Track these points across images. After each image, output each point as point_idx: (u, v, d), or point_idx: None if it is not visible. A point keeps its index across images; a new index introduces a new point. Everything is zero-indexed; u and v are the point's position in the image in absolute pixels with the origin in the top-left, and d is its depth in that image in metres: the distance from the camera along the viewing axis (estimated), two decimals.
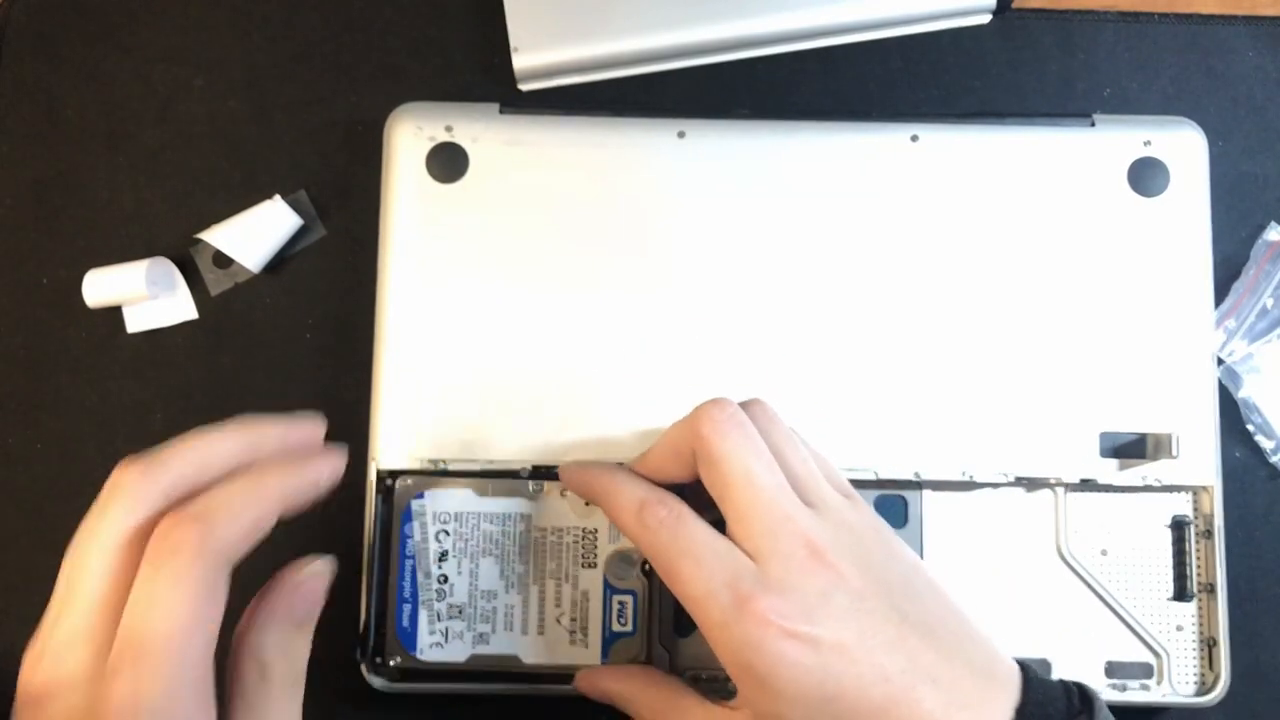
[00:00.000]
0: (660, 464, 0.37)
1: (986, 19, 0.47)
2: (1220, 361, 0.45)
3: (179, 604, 0.28)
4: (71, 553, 0.30)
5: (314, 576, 0.32)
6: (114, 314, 0.45)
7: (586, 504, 0.42)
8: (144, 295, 0.44)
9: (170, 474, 0.31)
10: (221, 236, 0.44)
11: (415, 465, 0.41)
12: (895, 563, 0.35)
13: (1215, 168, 0.46)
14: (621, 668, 0.40)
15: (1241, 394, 0.44)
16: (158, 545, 0.29)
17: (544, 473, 0.42)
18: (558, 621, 0.41)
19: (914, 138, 0.43)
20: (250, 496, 0.31)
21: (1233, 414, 0.45)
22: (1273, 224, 0.46)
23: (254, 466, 0.32)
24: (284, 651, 0.31)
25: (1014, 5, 0.47)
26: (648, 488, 0.36)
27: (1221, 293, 0.45)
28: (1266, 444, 0.44)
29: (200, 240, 0.45)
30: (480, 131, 0.43)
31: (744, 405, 0.36)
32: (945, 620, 0.35)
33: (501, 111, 0.44)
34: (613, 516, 0.37)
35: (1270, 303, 0.45)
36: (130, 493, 0.30)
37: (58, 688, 0.28)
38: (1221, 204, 0.46)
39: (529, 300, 0.42)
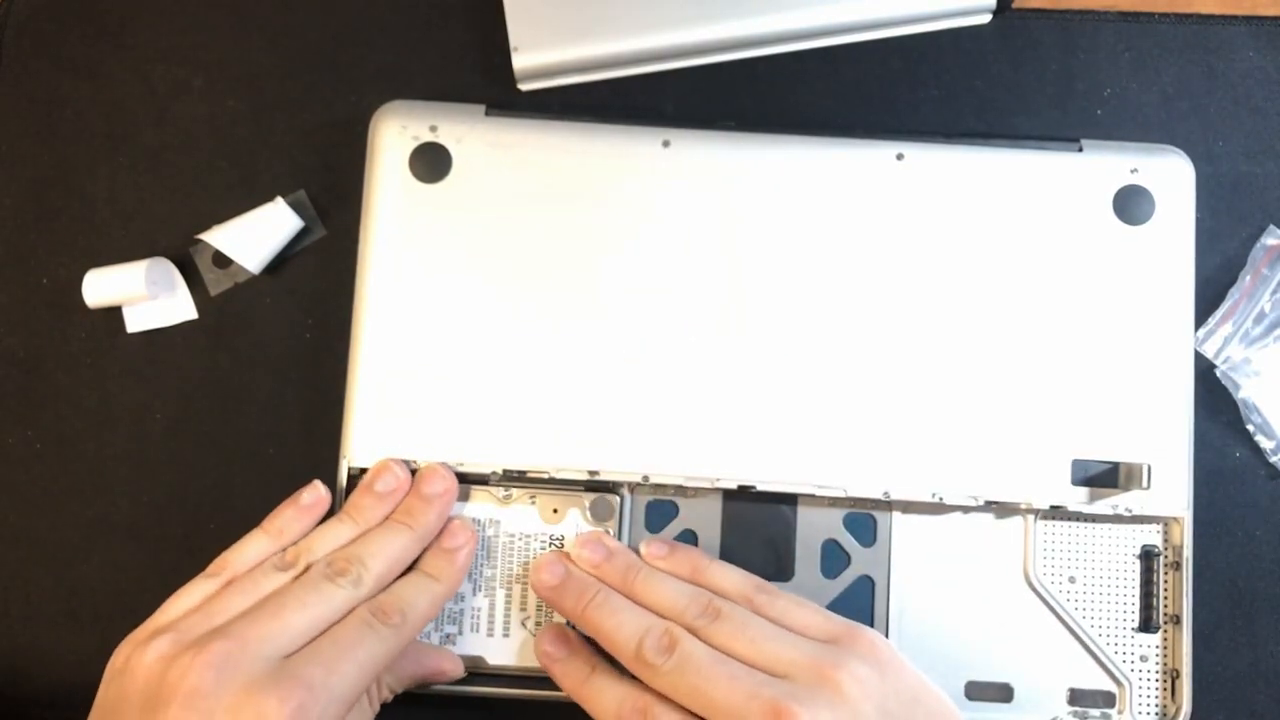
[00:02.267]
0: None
1: (986, 19, 0.47)
2: (1216, 365, 0.45)
3: (366, 662, 0.36)
4: (303, 599, 0.37)
5: (454, 676, 0.41)
6: (114, 314, 0.45)
7: (554, 511, 0.42)
8: (144, 295, 0.44)
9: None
10: (221, 237, 0.44)
11: None
12: (892, 698, 0.36)
13: (1215, 168, 0.46)
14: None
15: (1241, 394, 0.44)
16: (373, 617, 0.37)
17: (514, 477, 0.42)
18: (523, 625, 0.42)
19: (899, 156, 0.43)
20: (436, 603, 0.39)
21: (1233, 414, 0.45)
22: (1271, 227, 0.46)
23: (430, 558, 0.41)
24: (393, 691, 0.40)
25: (1014, 5, 0.47)
26: (621, 692, 0.38)
27: (1220, 295, 0.45)
28: (1266, 444, 0.44)
29: (200, 240, 0.45)
30: (465, 132, 0.43)
31: (694, 616, 0.38)
32: None
33: (488, 113, 0.44)
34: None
35: (1268, 306, 0.45)
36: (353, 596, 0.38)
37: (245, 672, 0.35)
38: (1221, 204, 0.46)
39: (507, 304, 0.42)
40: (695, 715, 0.36)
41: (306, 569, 0.38)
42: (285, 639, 0.35)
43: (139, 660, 0.35)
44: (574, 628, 0.40)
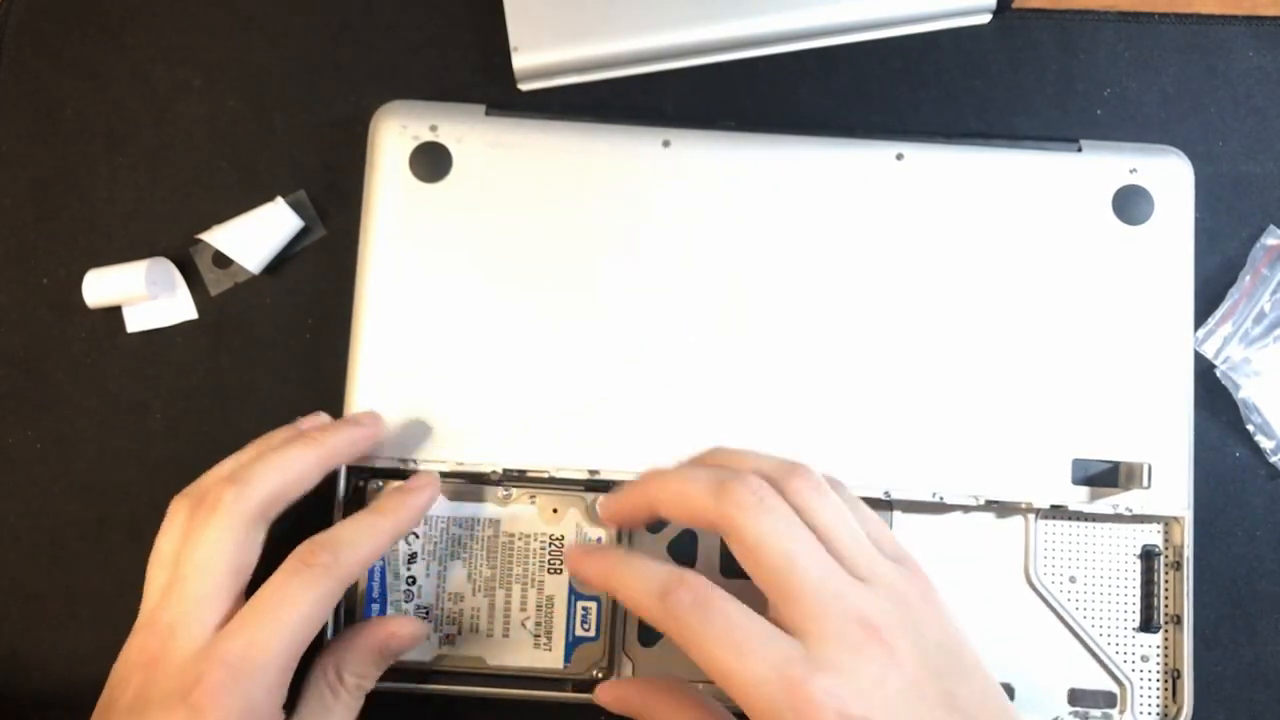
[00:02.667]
0: (647, 511, 0.36)
1: (986, 19, 0.47)
2: (1216, 365, 0.45)
3: (294, 620, 0.35)
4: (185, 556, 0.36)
5: (410, 637, 0.40)
6: (114, 314, 0.45)
7: (554, 511, 0.42)
8: (144, 295, 0.44)
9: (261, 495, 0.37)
10: (221, 237, 0.44)
11: (386, 464, 0.42)
12: (946, 638, 0.34)
13: (1215, 168, 0.46)
14: (647, 682, 0.37)
15: (1241, 394, 0.44)
16: (299, 562, 0.36)
17: (514, 476, 0.42)
18: (523, 625, 0.42)
19: (899, 156, 0.43)
20: (380, 539, 0.38)
21: (1233, 414, 0.45)
22: (1271, 227, 0.46)
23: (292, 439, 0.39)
24: (359, 677, 0.38)
25: (1014, 5, 0.47)
26: (667, 569, 0.34)
27: (1220, 295, 0.45)
28: (1266, 444, 0.44)
29: (200, 240, 0.45)
30: (465, 132, 0.43)
31: (786, 477, 0.34)
32: (988, 701, 0.34)
33: (488, 113, 0.44)
34: (631, 603, 0.34)
35: (1268, 306, 0.45)
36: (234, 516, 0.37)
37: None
38: (1221, 204, 0.46)
39: (506, 303, 0.42)
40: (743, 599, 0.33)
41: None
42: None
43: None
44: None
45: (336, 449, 0.39)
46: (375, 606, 0.41)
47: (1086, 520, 0.43)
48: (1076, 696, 0.42)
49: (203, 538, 0.36)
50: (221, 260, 0.45)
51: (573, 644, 0.41)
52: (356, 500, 0.42)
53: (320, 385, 0.44)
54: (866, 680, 0.32)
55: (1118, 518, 0.42)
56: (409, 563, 0.42)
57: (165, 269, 0.45)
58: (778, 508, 0.33)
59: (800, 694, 0.31)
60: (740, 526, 0.33)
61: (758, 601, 0.34)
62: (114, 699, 0.35)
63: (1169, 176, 0.43)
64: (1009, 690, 0.42)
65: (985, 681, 0.34)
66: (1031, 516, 0.43)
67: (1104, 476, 0.42)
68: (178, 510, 0.38)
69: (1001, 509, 0.42)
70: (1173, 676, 0.42)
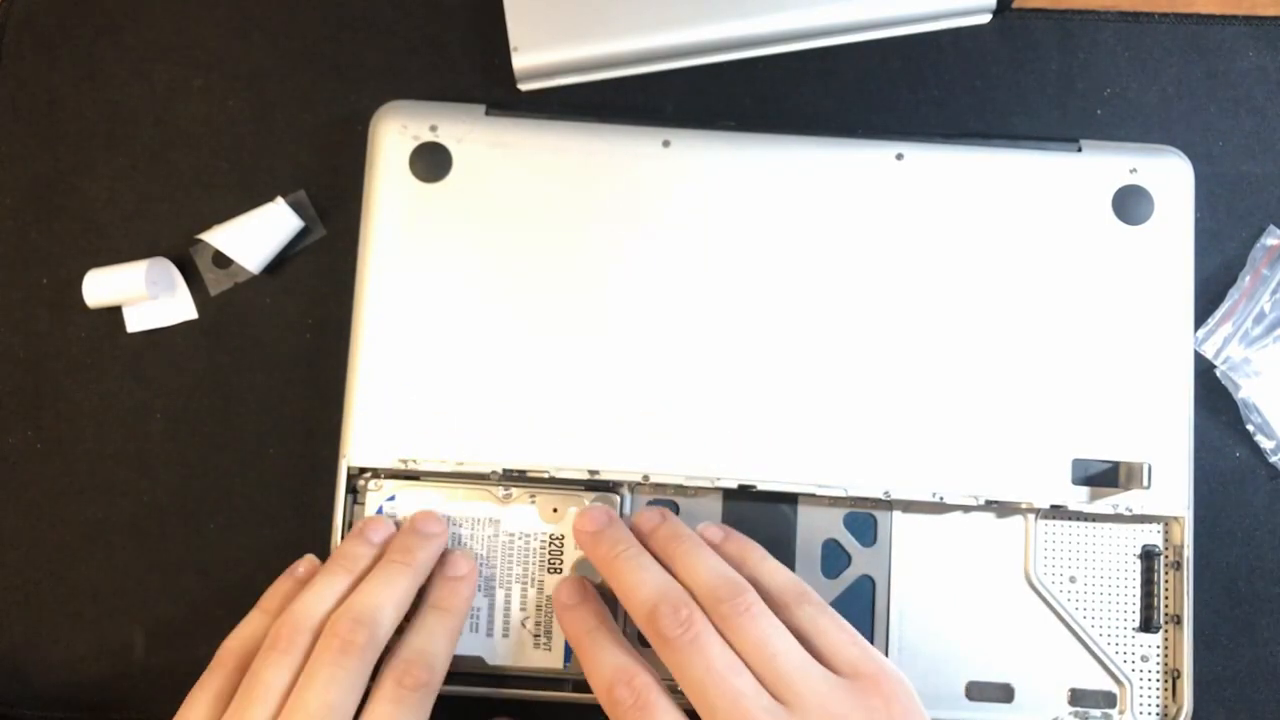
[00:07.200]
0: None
1: (986, 19, 0.47)
2: (1216, 365, 0.45)
3: (349, 694, 0.35)
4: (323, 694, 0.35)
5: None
6: (114, 314, 0.45)
7: (554, 510, 0.42)
8: (144, 295, 0.44)
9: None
10: (221, 237, 0.44)
11: (386, 464, 0.42)
12: None
13: (1215, 168, 0.46)
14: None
15: (1241, 395, 0.44)
16: (400, 687, 0.36)
17: (514, 477, 0.42)
18: (523, 625, 0.42)
19: (899, 156, 0.43)
20: (453, 638, 0.39)
21: (1233, 414, 0.45)
22: (1271, 227, 0.46)
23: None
24: None
25: (1014, 5, 0.47)
26: (621, 661, 0.36)
27: (1220, 295, 0.45)
28: (1266, 444, 0.44)
29: (200, 240, 0.45)
30: (465, 132, 0.43)
31: (720, 601, 0.36)
32: None
33: (488, 113, 0.44)
34: (586, 676, 0.37)
35: (1268, 306, 0.45)
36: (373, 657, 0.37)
37: None
38: (1221, 204, 0.46)
39: (507, 304, 0.42)
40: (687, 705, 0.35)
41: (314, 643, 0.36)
42: None
43: None
44: (596, 587, 0.40)
45: (426, 567, 0.40)
46: None
47: (1086, 520, 0.43)
48: (1077, 696, 0.42)
49: (336, 679, 0.35)
50: (221, 260, 0.45)
51: None
52: (356, 498, 0.42)
53: (320, 385, 0.44)
54: None
55: (1118, 518, 0.42)
56: None
57: (165, 269, 0.45)
58: (699, 638, 0.35)
59: None
60: (665, 654, 0.35)
61: None
62: None
63: (1169, 176, 0.43)
64: (1009, 690, 0.42)
65: None
66: (1031, 516, 0.43)
67: (1104, 476, 0.42)
68: (294, 643, 0.36)
69: (1001, 509, 0.42)
70: (1173, 676, 0.42)
